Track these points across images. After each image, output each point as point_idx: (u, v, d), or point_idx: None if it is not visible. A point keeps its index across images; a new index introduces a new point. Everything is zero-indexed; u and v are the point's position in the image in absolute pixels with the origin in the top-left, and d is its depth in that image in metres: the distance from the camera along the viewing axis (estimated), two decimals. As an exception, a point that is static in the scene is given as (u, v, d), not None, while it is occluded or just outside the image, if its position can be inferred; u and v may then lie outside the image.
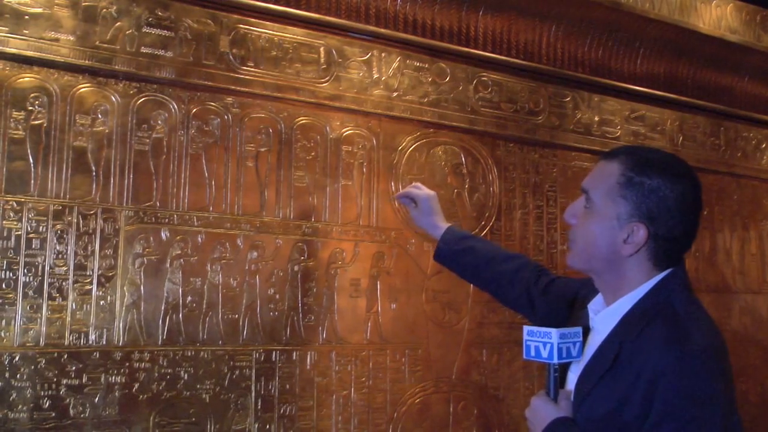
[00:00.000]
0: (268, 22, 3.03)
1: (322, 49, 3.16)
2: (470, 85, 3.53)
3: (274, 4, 3.02)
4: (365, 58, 3.26)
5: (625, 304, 1.69)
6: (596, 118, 3.93)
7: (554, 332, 1.67)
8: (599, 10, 3.76)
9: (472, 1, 3.48)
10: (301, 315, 2.99)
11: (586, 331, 1.77)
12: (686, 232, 1.69)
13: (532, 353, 1.70)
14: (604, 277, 1.74)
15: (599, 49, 3.92)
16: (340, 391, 3.05)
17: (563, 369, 1.77)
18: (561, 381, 1.76)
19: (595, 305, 1.79)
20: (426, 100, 3.39)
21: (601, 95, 3.95)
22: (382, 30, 3.28)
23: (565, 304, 2.02)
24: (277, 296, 2.94)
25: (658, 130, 4.16)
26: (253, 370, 2.86)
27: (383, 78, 3.29)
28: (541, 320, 2.07)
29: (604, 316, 1.71)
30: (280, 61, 3.05)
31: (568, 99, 3.85)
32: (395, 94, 3.32)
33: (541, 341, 1.68)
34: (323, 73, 3.15)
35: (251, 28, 3.01)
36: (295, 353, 2.96)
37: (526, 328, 1.73)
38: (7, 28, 2.57)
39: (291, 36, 3.09)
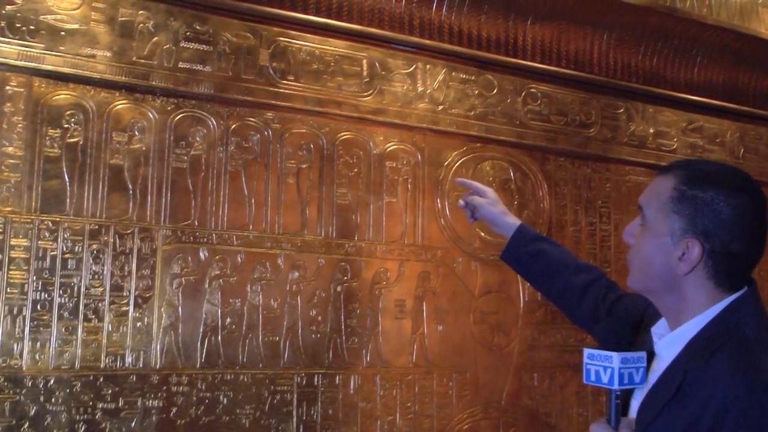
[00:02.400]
0: (308, 35, 3.03)
1: (364, 61, 3.14)
2: (518, 98, 3.49)
3: (315, 15, 3.03)
4: (409, 70, 3.23)
5: (690, 329, 1.59)
6: (651, 130, 3.85)
7: (616, 356, 1.58)
8: (653, 16, 3.69)
9: (520, 10, 3.45)
10: (344, 337, 2.96)
11: (651, 356, 1.67)
12: (746, 249, 1.58)
13: (592, 378, 1.61)
14: (664, 299, 1.65)
15: (654, 58, 3.84)
16: (384, 417, 3.00)
17: (626, 396, 1.67)
18: (623, 408, 1.66)
19: (659, 329, 1.69)
20: (473, 113, 3.35)
21: (656, 106, 3.87)
22: (427, 41, 3.26)
23: (630, 325, 1.89)
24: (319, 318, 2.92)
25: (717, 142, 4.04)
26: (295, 395, 2.84)
27: (428, 91, 3.26)
28: (604, 341, 1.93)
29: (669, 342, 1.63)
30: (321, 74, 3.04)
31: (621, 110, 3.78)
32: (441, 107, 3.28)
33: (602, 365, 1.59)
34: (366, 86, 3.13)
35: (291, 40, 3.00)
36: (338, 377, 2.93)
37: (586, 351, 1.63)
38: (43, 45, 2.59)
39: (332, 48, 3.07)
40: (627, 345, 1.79)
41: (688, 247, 1.57)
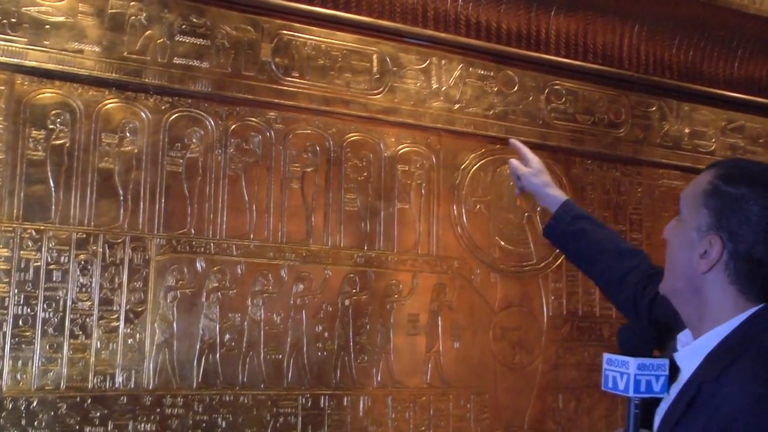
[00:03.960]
0: (314, 28, 3.02)
1: (374, 56, 3.13)
2: (541, 95, 3.47)
3: (321, 6, 3.01)
4: (423, 66, 3.22)
5: (711, 340, 1.61)
6: (687, 130, 3.82)
7: (632, 362, 1.61)
8: (689, 6, 3.66)
9: (542, 1, 3.44)
10: (352, 355, 2.95)
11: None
12: None
13: (610, 384, 1.65)
14: (688, 305, 1.68)
15: (690, 51, 3.82)
16: (396, 442, 2.99)
17: (650, 408, 1.68)
18: (647, 422, 1.68)
19: (685, 336, 1.72)
20: (491, 112, 3.34)
21: (692, 103, 3.85)
22: (442, 34, 3.25)
23: (666, 325, 1.91)
24: (326, 334, 2.92)
25: (760, 143, 4.01)
26: (300, 417, 2.83)
27: (443, 88, 3.24)
28: (623, 334, 1.96)
29: (689, 353, 1.65)
30: (328, 70, 3.03)
31: (653, 108, 3.76)
32: (457, 106, 3.26)
33: (619, 371, 1.63)
34: (376, 83, 3.12)
35: (296, 34, 2.99)
36: (346, 398, 2.92)
37: (605, 356, 1.68)
38: (26, 39, 2.57)
39: (340, 42, 3.07)
40: (662, 347, 1.81)
41: (711, 244, 1.59)
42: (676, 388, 1.63)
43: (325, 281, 2.94)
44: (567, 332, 3.36)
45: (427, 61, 3.22)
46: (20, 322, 2.48)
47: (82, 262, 2.58)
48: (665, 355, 1.70)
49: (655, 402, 1.68)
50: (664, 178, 3.72)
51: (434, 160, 3.20)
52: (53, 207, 2.56)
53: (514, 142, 2.55)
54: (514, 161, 2.45)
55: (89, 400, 2.53)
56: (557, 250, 3.30)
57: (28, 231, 2.52)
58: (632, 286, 2.09)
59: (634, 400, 1.62)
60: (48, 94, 2.61)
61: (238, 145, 2.86)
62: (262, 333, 2.81)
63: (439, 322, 3.12)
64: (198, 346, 2.71)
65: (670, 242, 1.71)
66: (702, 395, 1.53)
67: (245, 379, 2.75)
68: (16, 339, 2.47)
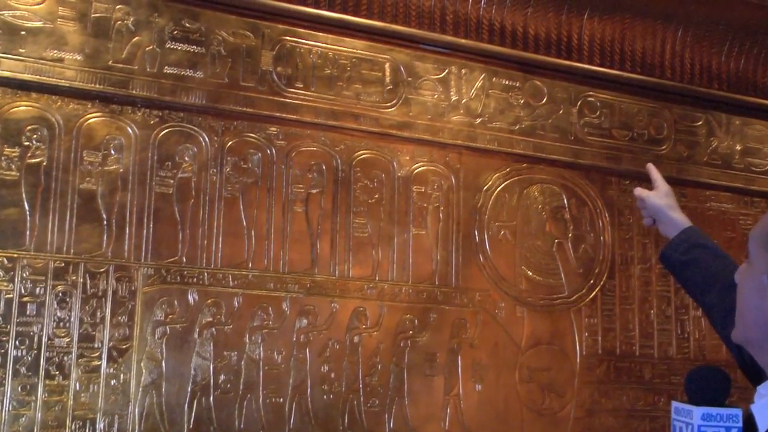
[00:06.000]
0: (320, 33, 3.04)
1: (387, 65, 3.14)
2: (573, 108, 3.49)
3: (328, 10, 3.03)
4: (441, 75, 3.23)
5: None
6: (738, 147, 3.82)
7: (696, 411, 1.57)
8: (740, 8, 3.68)
9: (575, 2, 3.46)
10: (362, 398, 2.94)
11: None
12: None
13: None
14: (765, 352, 1.64)
15: (740, 58, 3.83)
16: (411, 496, 2.99)
17: None
18: None
19: (764, 388, 1.66)
20: (517, 127, 3.35)
21: (744, 117, 3.86)
22: (462, 40, 3.27)
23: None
24: (333, 375, 2.91)
25: None
26: None
27: (464, 100, 3.26)
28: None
29: (763, 407, 1.60)
30: (335, 81, 3.04)
31: (700, 123, 3.77)
32: (479, 120, 3.27)
33: (684, 421, 1.60)
34: (389, 95, 3.13)
35: (300, 40, 3.01)
36: None
37: (673, 404, 1.63)
38: None
39: (349, 50, 3.09)
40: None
41: None
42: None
43: (331, 315, 2.92)
44: (603, 373, 3.35)
45: (446, 71, 3.23)
46: (-11, 361, 2.45)
47: (60, 294, 2.57)
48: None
49: None
50: (712, 201, 3.72)
51: (453, 180, 3.21)
52: (28, 232, 2.55)
53: (651, 166, 2.50)
54: (639, 189, 2.44)
55: (67, 449, 2.51)
56: (591, 282, 3.42)
57: (0, 259, 2.51)
58: None
59: None
60: (23, 107, 2.61)
61: (235, 163, 2.86)
62: (261, 373, 2.79)
63: (459, 362, 3.11)
64: (189, 388, 2.69)
65: (740, 287, 1.67)
66: None
67: (242, 425, 2.74)
68: (-16, 380, 2.46)
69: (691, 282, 2.25)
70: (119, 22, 2.73)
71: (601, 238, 3.46)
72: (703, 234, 2.38)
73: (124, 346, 2.61)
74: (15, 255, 2.52)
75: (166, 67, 2.77)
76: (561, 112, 3.42)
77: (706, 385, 1.74)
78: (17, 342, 2.48)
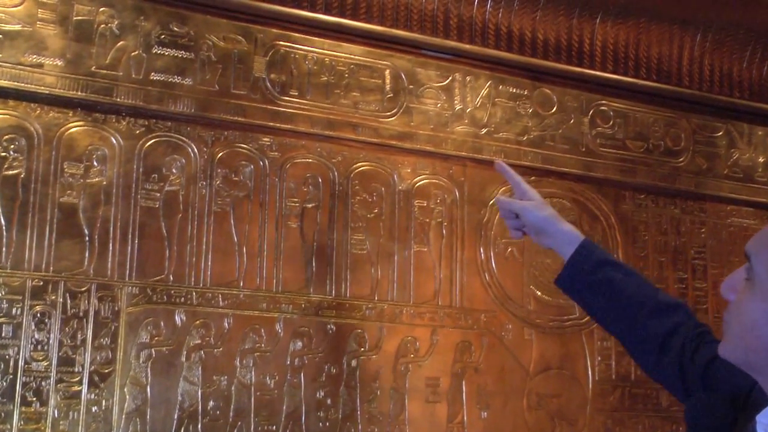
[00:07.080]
0: (316, 38, 3.04)
1: (387, 72, 3.15)
2: (585, 118, 3.48)
3: (325, 13, 3.03)
4: (444, 83, 3.23)
5: None
6: (761, 159, 3.82)
7: None
8: (762, 12, 3.66)
9: (587, 5, 3.46)
10: (360, 426, 2.92)
11: None
12: None
13: None
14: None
15: (763, 65, 3.83)
16: None
17: None
18: None
19: (765, 417, 1.59)
20: (525, 138, 3.35)
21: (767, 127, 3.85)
22: (467, 46, 3.27)
23: (729, 399, 1.82)
24: (329, 401, 2.89)
25: None
26: None
27: (468, 110, 3.25)
28: (694, 411, 1.87)
29: None
30: (332, 88, 3.04)
31: (720, 133, 3.76)
32: (484, 130, 3.27)
33: None
34: (389, 104, 3.12)
35: (294, 45, 3.01)
36: None
37: None
38: None
39: (347, 56, 3.08)
40: (725, 423, 1.73)
41: None
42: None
43: (327, 338, 2.92)
44: (617, 400, 3.33)
45: (450, 78, 3.24)
46: (-40, 387, 2.47)
47: (38, 315, 2.56)
48: None
49: None
50: (733, 216, 3.73)
51: (457, 194, 3.20)
52: (4, 249, 2.54)
53: (501, 164, 2.39)
54: (503, 197, 2.37)
55: (44, 481, 2.53)
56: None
57: (-27, 278, 2.50)
58: (677, 351, 1.98)
59: None
60: (0, 115, 2.61)
61: (225, 176, 2.86)
62: (252, 399, 2.78)
63: (464, 388, 3.10)
64: (176, 415, 2.68)
65: (739, 305, 1.59)
66: None
67: (232, 455, 2.77)
68: (-45, 407, 2.47)
69: (604, 308, 2.14)
70: (103, 26, 2.73)
71: (615, 255, 3.41)
72: (602, 247, 2.30)
73: (106, 371, 2.60)
74: (-11, 273, 2.51)
75: (152, 74, 2.77)
76: (572, 122, 3.42)
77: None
78: (-9, 366, 2.49)
